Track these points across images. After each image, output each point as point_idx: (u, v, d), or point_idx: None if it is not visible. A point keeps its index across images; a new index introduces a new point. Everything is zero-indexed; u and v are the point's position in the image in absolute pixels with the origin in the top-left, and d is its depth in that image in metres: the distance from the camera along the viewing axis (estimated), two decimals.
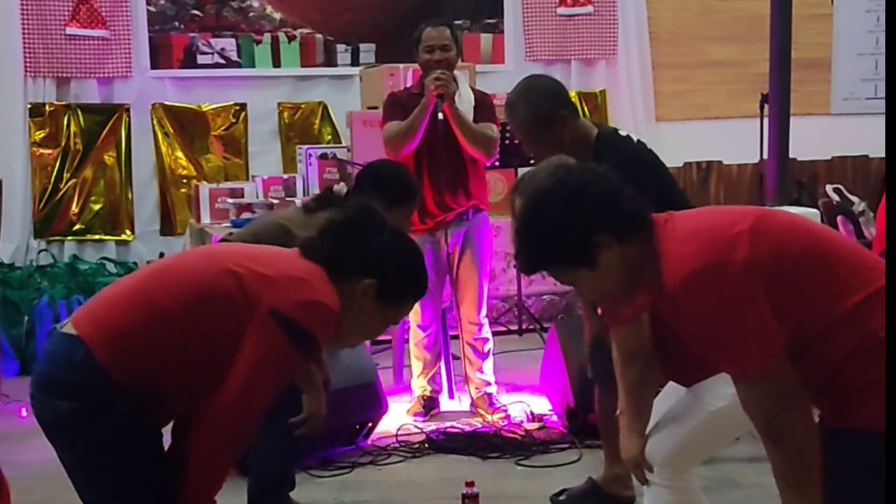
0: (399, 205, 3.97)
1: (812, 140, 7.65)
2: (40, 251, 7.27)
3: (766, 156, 6.51)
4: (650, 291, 2.28)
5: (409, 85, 5.56)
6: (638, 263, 2.22)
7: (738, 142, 7.74)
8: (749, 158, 7.67)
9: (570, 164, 2.67)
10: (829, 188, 7.56)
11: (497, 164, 6.10)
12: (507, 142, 6.15)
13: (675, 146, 7.39)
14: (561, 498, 4.11)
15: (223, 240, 3.75)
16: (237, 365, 2.26)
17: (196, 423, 2.31)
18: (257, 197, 6.39)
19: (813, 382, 2.17)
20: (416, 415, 5.28)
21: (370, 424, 4.88)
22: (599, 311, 3.24)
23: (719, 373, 2.47)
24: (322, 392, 3.38)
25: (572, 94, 7.61)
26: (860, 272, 2.15)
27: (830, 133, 8.20)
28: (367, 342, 5.45)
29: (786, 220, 2.24)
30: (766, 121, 6.51)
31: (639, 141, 3.71)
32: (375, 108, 6.12)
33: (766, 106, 6.46)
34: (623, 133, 3.75)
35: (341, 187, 3.96)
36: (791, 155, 6.39)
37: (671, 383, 3.01)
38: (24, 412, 5.53)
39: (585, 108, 7.89)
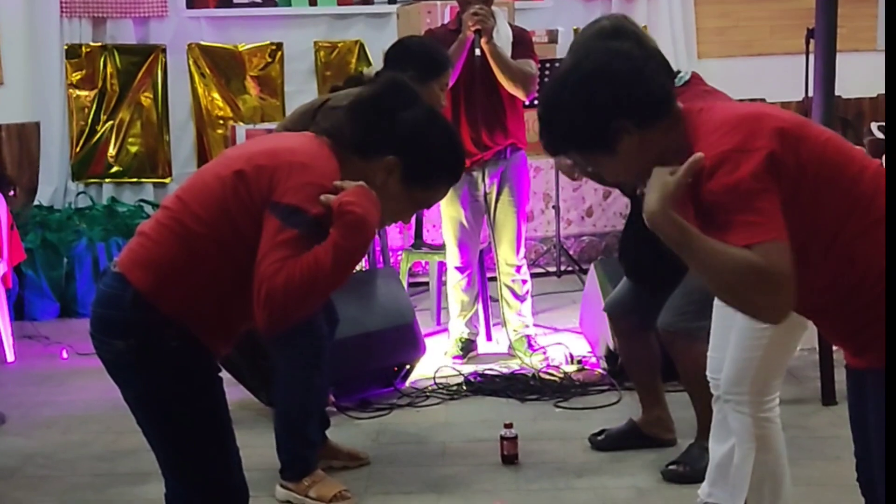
0: (430, 78, 3.88)
1: (858, 77, 7.47)
2: (78, 194, 7.28)
3: (811, 93, 6.36)
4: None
5: (446, 21, 5.47)
6: (664, 151, 2.12)
7: (782, 79, 7.58)
8: (793, 96, 7.51)
9: (592, 47, 2.50)
10: (874, 126, 7.40)
11: (536, 102, 6.00)
12: (546, 79, 6.05)
13: (718, 84, 7.18)
14: (600, 438, 4.08)
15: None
16: (257, 269, 2.19)
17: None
18: None
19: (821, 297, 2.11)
20: (453, 357, 5.26)
21: (408, 367, 4.86)
22: None
23: None
24: None
25: None
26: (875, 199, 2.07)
27: (877, 70, 7.99)
28: (405, 285, 5.44)
29: (819, 132, 2.13)
30: (811, 57, 6.37)
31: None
32: None
33: (812, 42, 6.30)
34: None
35: (371, 70, 3.90)
36: (836, 92, 6.24)
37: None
38: (64, 354, 5.58)
39: None
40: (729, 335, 2.97)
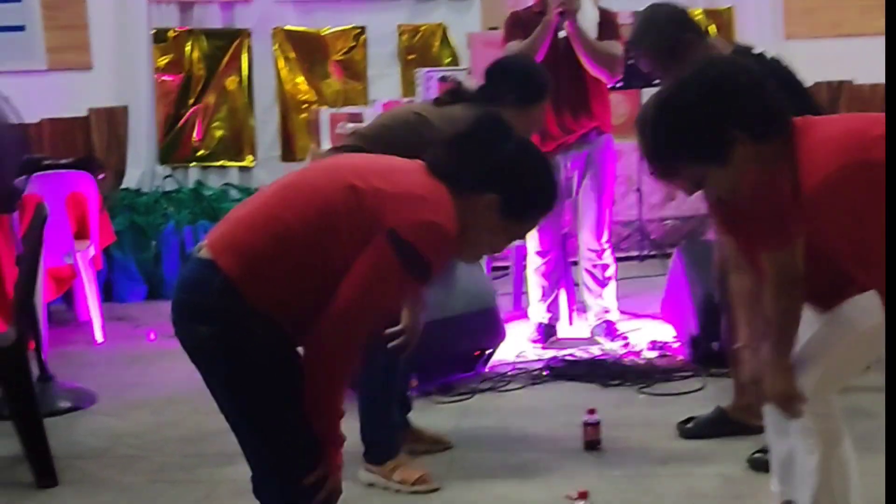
0: (531, 103, 3.79)
1: None
2: (165, 177, 7.40)
3: None
4: (783, 196, 2.18)
5: (530, 4, 5.43)
6: (773, 165, 2.11)
7: (870, 60, 7.38)
8: (882, 78, 7.33)
9: (716, 58, 2.53)
10: None
11: (620, 84, 5.93)
12: (631, 61, 5.98)
13: (805, 65, 7.03)
14: (689, 426, 4.03)
15: (353, 133, 3.71)
16: (348, 279, 2.24)
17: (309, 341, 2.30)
18: None
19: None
20: (534, 342, 5.24)
21: (489, 351, 4.86)
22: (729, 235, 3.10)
23: (856, 294, 2.37)
24: (420, 307, 3.34)
25: (697, 12, 7.37)
26: None
27: None
28: (487, 269, 5.43)
29: None
30: None
31: (773, 58, 3.56)
32: (496, 28, 6.00)
33: None
34: (758, 51, 3.60)
35: (471, 82, 3.88)
36: None
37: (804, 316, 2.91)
38: (152, 336, 5.68)
39: (712, 26, 7.62)
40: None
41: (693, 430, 4.02)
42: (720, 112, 2.08)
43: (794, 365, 2.82)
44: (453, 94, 3.73)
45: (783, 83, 3.31)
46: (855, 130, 2.09)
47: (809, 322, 2.88)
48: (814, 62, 7.58)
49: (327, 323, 2.25)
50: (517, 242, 5.70)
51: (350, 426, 3.69)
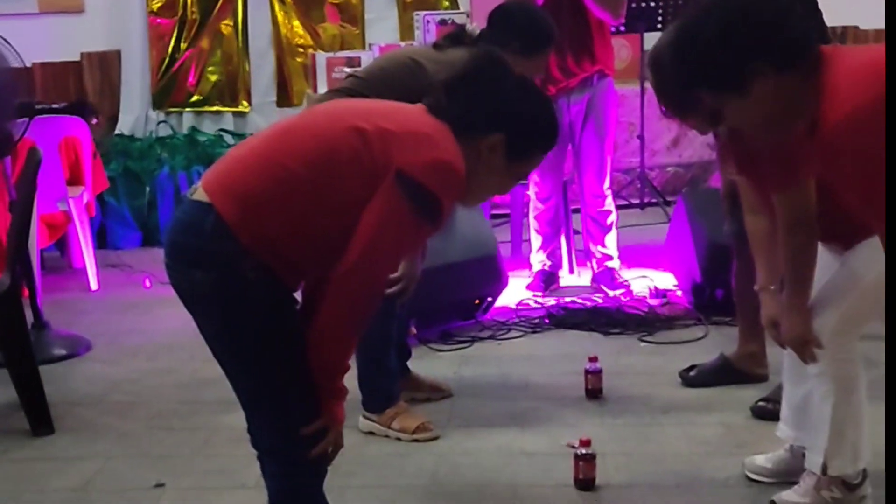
0: (535, 52, 3.69)
1: None
2: (159, 122, 7.30)
3: None
4: (802, 131, 2.12)
5: None
6: (796, 96, 2.04)
7: (875, 5, 7.27)
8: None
9: None
10: None
11: (623, 28, 5.84)
12: (633, 4, 5.89)
13: None
14: (691, 374, 3.99)
15: (350, 76, 3.62)
16: (361, 228, 2.18)
17: (322, 292, 2.24)
18: None
19: None
20: (535, 290, 5.19)
21: (490, 299, 4.81)
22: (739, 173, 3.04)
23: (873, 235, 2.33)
24: (418, 254, 3.30)
25: None
26: None
27: None
28: (487, 216, 5.37)
29: None
30: None
31: None
32: None
33: None
34: None
35: (474, 28, 3.78)
36: None
37: (822, 260, 2.86)
38: (147, 282, 5.63)
39: None
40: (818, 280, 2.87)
41: (696, 378, 3.98)
42: (743, 42, 2.01)
43: (811, 308, 2.78)
44: (453, 38, 3.63)
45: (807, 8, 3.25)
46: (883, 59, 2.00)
47: (828, 266, 2.83)
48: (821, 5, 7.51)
49: (341, 275, 2.19)
50: (517, 188, 5.64)
51: (349, 374, 3.65)
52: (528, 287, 5.21)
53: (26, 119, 4.41)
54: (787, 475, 3.06)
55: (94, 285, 5.68)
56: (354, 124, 2.23)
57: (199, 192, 2.27)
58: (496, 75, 2.38)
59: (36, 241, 5.12)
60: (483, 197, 2.47)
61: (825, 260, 2.83)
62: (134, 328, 4.99)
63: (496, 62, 2.45)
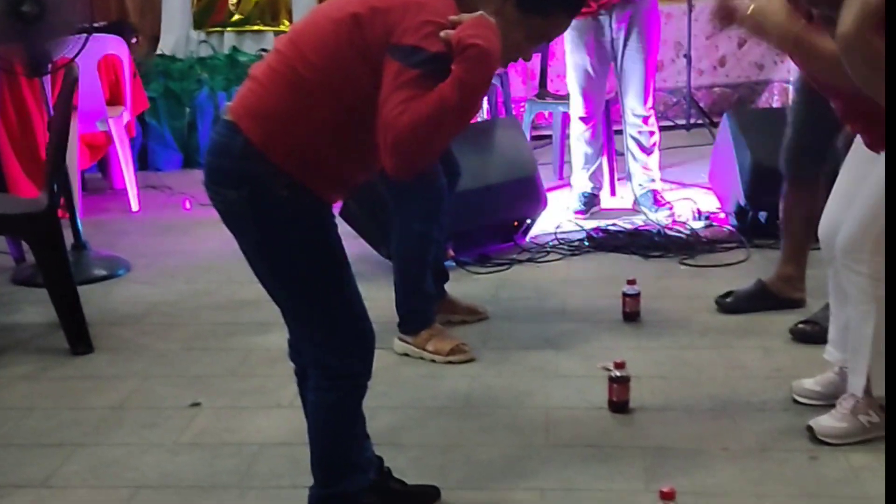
0: None
1: None
2: (200, 42, 7.25)
3: None
4: None
5: None
6: None
7: None
8: None
9: None
10: None
11: None
12: None
13: None
14: (728, 300, 3.93)
15: None
16: (379, 119, 2.10)
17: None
18: None
19: None
20: (576, 212, 5.14)
21: (528, 221, 4.76)
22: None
23: None
24: None
25: None
26: None
27: None
28: (528, 137, 5.29)
29: None
30: None
31: None
32: None
33: None
34: None
35: None
36: None
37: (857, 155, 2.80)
38: (188, 204, 5.63)
39: None
40: (856, 194, 2.79)
41: (732, 304, 3.91)
42: None
43: (851, 218, 2.73)
44: None
45: None
46: None
47: (862, 161, 2.77)
48: None
49: (387, 157, 2.10)
50: (561, 110, 5.56)
51: (385, 296, 3.66)
52: (569, 209, 5.15)
53: (88, 35, 4.33)
54: (837, 398, 3.00)
55: (134, 206, 5.70)
56: (352, 12, 2.18)
57: (228, 112, 2.26)
58: None
59: (77, 161, 5.14)
60: (506, 57, 2.28)
61: (859, 155, 2.76)
62: (173, 249, 5.00)
63: None
